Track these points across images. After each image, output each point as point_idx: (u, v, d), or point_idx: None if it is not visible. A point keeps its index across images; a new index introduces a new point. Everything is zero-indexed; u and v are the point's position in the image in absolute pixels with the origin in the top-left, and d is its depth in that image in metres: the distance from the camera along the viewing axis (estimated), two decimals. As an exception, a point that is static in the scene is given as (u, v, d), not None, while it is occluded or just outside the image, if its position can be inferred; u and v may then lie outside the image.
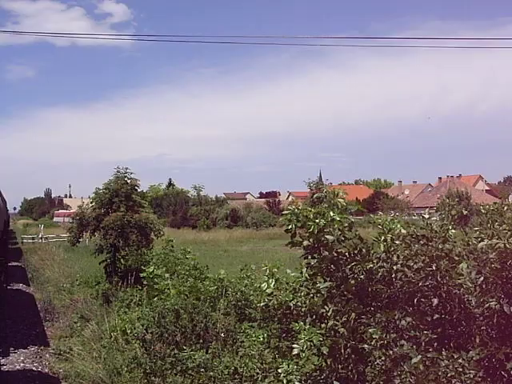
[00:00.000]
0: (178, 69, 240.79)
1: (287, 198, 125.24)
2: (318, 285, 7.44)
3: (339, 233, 7.31)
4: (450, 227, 7.78)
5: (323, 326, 7.44)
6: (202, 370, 10.79)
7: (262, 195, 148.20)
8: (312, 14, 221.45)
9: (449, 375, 6.53)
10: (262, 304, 8.79)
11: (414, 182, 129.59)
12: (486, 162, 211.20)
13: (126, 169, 23.39)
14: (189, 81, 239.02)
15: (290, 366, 7.82)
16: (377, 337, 6.96)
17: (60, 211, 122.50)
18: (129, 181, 23.13)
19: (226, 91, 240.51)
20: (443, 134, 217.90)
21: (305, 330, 7.26)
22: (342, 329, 7.18)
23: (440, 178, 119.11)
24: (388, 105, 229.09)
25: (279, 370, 7.84)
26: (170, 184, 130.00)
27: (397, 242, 7.53)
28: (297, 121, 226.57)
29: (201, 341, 11.95)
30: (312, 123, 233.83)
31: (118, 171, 23.21)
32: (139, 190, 24.52)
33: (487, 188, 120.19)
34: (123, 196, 22.52)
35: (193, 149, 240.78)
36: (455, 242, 7.74)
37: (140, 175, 24.41)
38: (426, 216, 7.81)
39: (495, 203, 8.13)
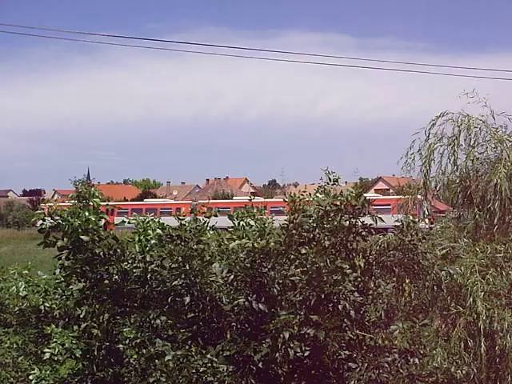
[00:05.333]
0: None
1: (53, 197, 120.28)
2: (71, 286, 7.32)
3: (94, 233, 7.26)
4: (208, 228, 8.13)
5: (77, 328, 7.35)
6: None
7: (25, 193, 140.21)
8: (85, 11, 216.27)
9: (201, 370, 6.81)
10: (16, 309, 8.44)
11: (183, 183, 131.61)
12: (252, 165, 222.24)
13: None
14: None
15: (43, 371, 7.60)
16: (131, 336, 7.04)
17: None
18: None
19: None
20: (213, 137, 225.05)
21: (57, 333, 7.11)
22: (96, 330, 7.16)
23: (208, 180, 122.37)
24: (160, 105, 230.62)
25: (30, 377, 7.59)
26: None
27: (152, 242, 7.68)
28: (66, 116, 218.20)
29: None
30: (82, 120, 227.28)
31: None
32: None
33: (252, 190, 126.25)
34: None
35: None
36: (209, 243, 8.10)
37: None
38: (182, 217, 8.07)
39: (246, 206, 8.64)
